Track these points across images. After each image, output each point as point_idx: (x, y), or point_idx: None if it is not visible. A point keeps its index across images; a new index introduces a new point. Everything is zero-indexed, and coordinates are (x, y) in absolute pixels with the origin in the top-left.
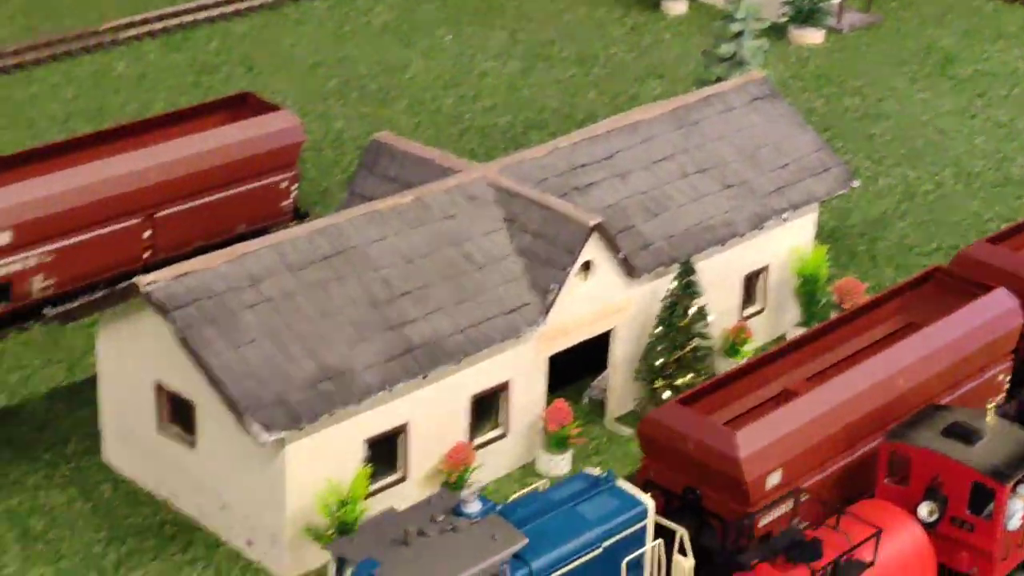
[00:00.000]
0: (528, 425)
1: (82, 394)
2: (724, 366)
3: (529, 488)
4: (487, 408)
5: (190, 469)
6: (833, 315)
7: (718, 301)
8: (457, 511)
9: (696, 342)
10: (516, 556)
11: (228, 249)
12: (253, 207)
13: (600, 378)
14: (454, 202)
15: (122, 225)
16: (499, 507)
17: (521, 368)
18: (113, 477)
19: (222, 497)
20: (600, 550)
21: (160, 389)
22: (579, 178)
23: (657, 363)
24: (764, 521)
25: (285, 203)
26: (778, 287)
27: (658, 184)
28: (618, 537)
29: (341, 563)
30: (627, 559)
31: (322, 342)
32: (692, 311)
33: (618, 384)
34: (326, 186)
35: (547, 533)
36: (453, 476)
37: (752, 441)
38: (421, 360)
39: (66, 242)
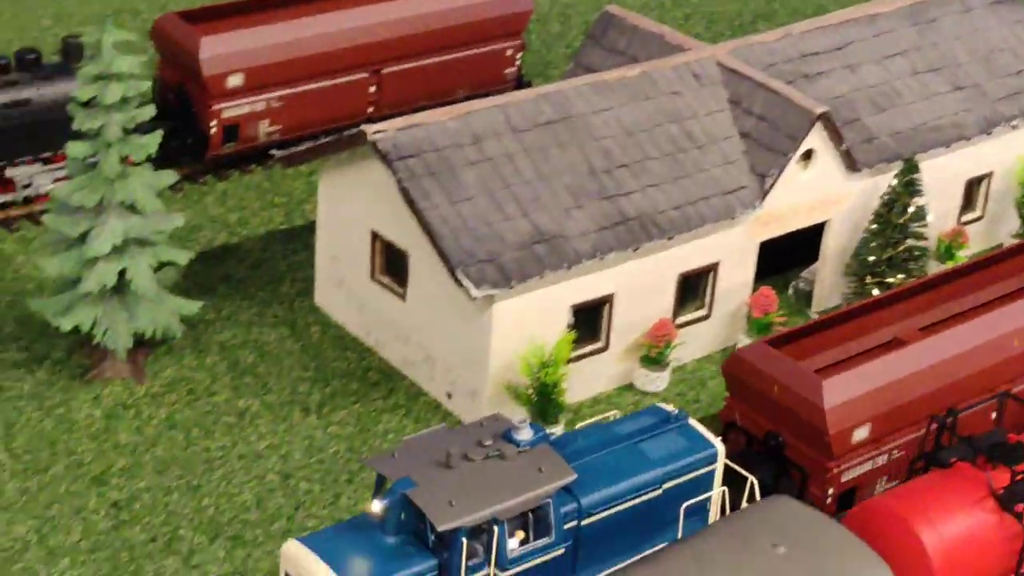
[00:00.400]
0: (732, 309)
1: (298, 238)
2: (935, 269)
3: (598, 418)
4: (693, 288)
5: (398, 319)
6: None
7: (937, 203)
8: (507, 437)
9: (911, 242)
10: (567, 490)
11: (454, 106)
12: (477, 72)
13: (809, 270)
14: (680, 79)
15: (350, 78)
16: (554, 437)
17: (731, 251)
18: (323, 321)
19: (427, 349)
20: (660, 491)
21: (376, 238)
22: (808, 66)
23: (869, 259)
24: (847, 476)
25: (509, 71)
26: (1000, 196)
27: (888, 79)
28: (680, 480)
29: (381, 480)
30: (687, 504)
31: (538, 205)
32: (911, 210)
33: (826, 277)
34: (549, 59)
35: (603, 469)
36: (653, 351)
37: (840, 391)
38: (634, 232)
39: (295, 90)
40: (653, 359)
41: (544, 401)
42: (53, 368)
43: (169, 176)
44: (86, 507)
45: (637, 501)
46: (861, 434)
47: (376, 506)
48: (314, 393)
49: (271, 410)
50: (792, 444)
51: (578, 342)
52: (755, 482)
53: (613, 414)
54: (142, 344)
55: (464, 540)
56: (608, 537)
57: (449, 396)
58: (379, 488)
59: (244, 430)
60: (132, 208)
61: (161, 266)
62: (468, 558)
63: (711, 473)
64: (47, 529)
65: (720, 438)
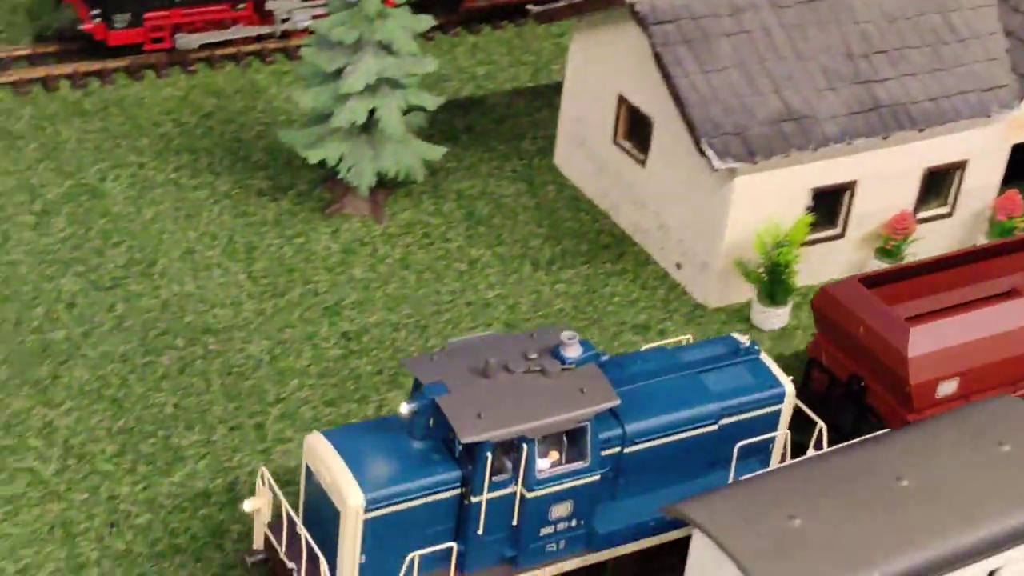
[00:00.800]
0: (975, 211)
1: (543, 97)
2: None
3: (667, 342)
4: (938, 184)
5: (635, 185)
6: None
7: None
8: (555, 353)
9: None
10: (613, 415)
11: None
12: None
13: None
14: None
15: None
16: (607, 357)
17: (981, 150)
18: (559, 181)
19: (661, 217)
20: (715, 427)
21: (622, 102)
22: None
23: None
24: None
25: None
26: None
27: None
28: (740, 417)
29: (417, 382)
30: (742, 443)
31: (790, 83)
32: None
33: None
34: None
35: (657, 396)
36: (890, 243)
37: (929, 340)
38: (885, 120)
39: None
40: (889, 252)
41: (774, 281)
42: (296, 199)
43: (426, 21)
44: (317, 334)
45: (689, 434)
46: (948, 388)
47: (404, 408)
48: (545, 249)
49: (502, 261)
50: (874, 390)
51: (815, 226)
52: (823, 428)
53: (686, 339)
54: (383, 184)
55: (489, 455)
56: (654, 468)
57: (678, 267)
58: (416, 390)
59: (474, 278)
60: (388, 49)
61: (410, 110)
62: (494, 474)
63: (776, 414)
64: (279, 351)
65: (804, 375)
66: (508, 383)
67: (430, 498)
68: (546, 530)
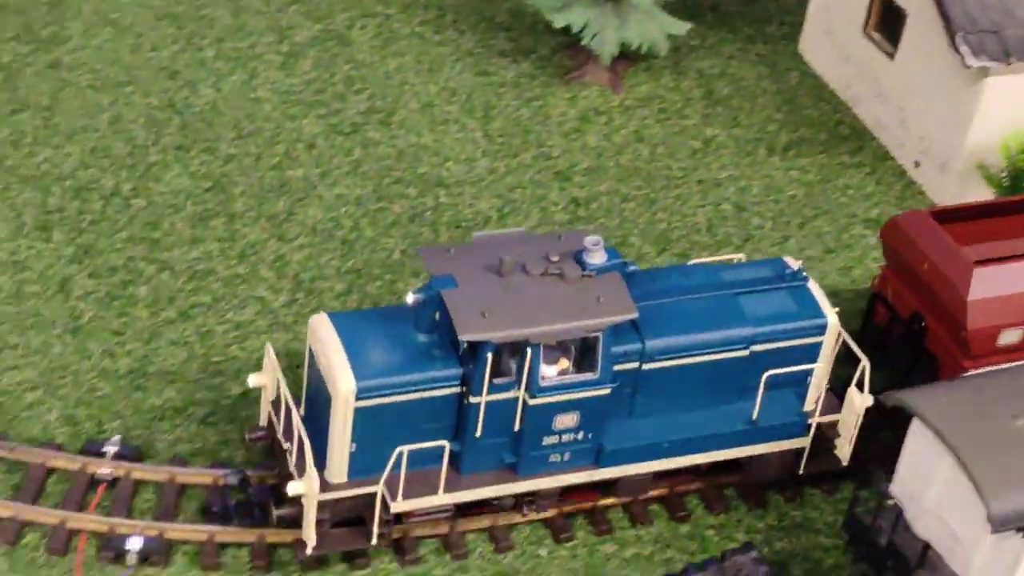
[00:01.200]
0: None
1: None
2: None
3: (717, 259)
4: None
5: (881, 78)
6: None
7: None
8: (577, 257)
9: None
10: (635, 328)
11: None
12: None
13: None
14: None
15: None
16: (635, 268)
17: None
18: (803, 69)
19: (904, 113)
20: (746, 352)
21: None
22: None
23: None
24: None
25: None
26: None
27: None
28: (774, 345)
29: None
30: (771, 373)
31: None
32: None
33: None
34: None
35: (686, 314)
36: None
37: (993, 283)
38: None
39: None
40: None
41: (1015, 189)
42: (537, 63)
43: None
44: (547, 197)
45: (716, 357)
46: (1011, 337)
47: (410, 298)
48: (782, 136)
49: (736, 143)
50: (935, 332)
51: None
52: (866, 366)
53: (738, 257)
54: (625, 56)
55: (490, 356)
56: (675, 390)
57: (916, 165)
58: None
59: (707, 157)
60: None
61: None
62: (496, 376)
63: (817, 346)
64: (507, 210)
65: (867, 310)
66: (522, 284)
67: (427, 393)
68: (549, 440)
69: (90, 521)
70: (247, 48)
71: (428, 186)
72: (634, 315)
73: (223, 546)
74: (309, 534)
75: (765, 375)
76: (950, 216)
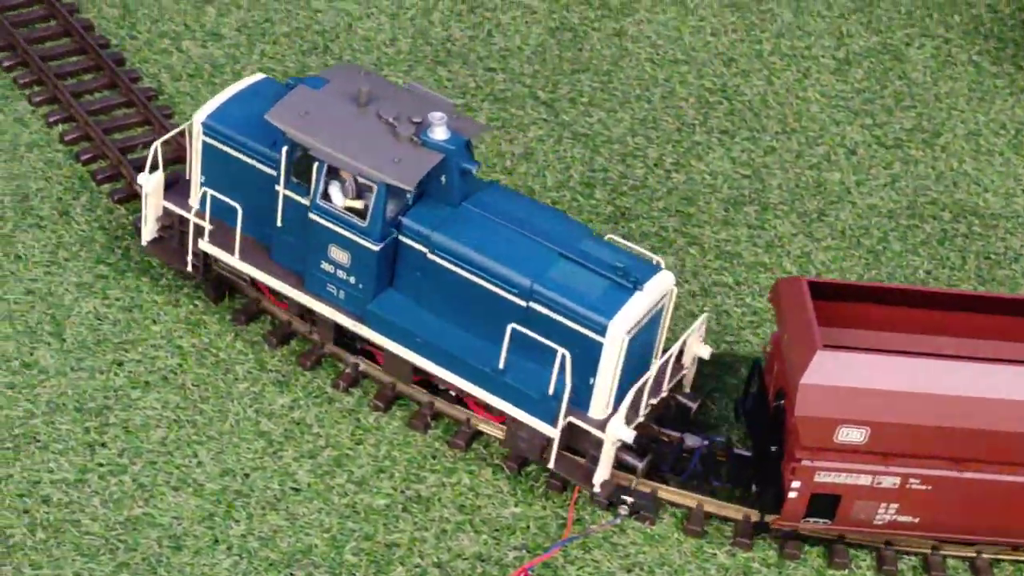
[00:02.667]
0: None
1: None
2: None
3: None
4: None
5: None
6: None
7: None
8: (423, 123)
9: None
10: (434, 216)
11: None
12: None
13: None
14: None
15: None
16: (495, 184)
17: None
18: None
19: None
20: (523, 303)
21: None
22: None
23: None
24: (824, 478)
25: None
26: None
27: None
28: (548, 313)
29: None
30: (515, 327)
31: None
32: None
33: None
34: None
35: (494, 237)
36: None
37: (839, 372)
38: None
39: None
40: None
41: None
42: None
43: None
44: None
45: (493, 289)
46: (852, 436)
47: (291, 79)
48: None
49: None
50: (789, 414)
51: None
52: (566, 355)
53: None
54: None
55: (285, 149)
56: (454, 297)
57: None
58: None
59: None
60: None
61: None
62: (296, 176)
63: (597, 345)
64: None
65: (747, 376)
66: (361, 117)
67: (250, 160)
68: (326, 267)
69: None
70: (804, 48)
71: (962, 213)
72: (408, 187)
73: (709, 516)
74: None
75: (510, 326)
76: (834, 290)
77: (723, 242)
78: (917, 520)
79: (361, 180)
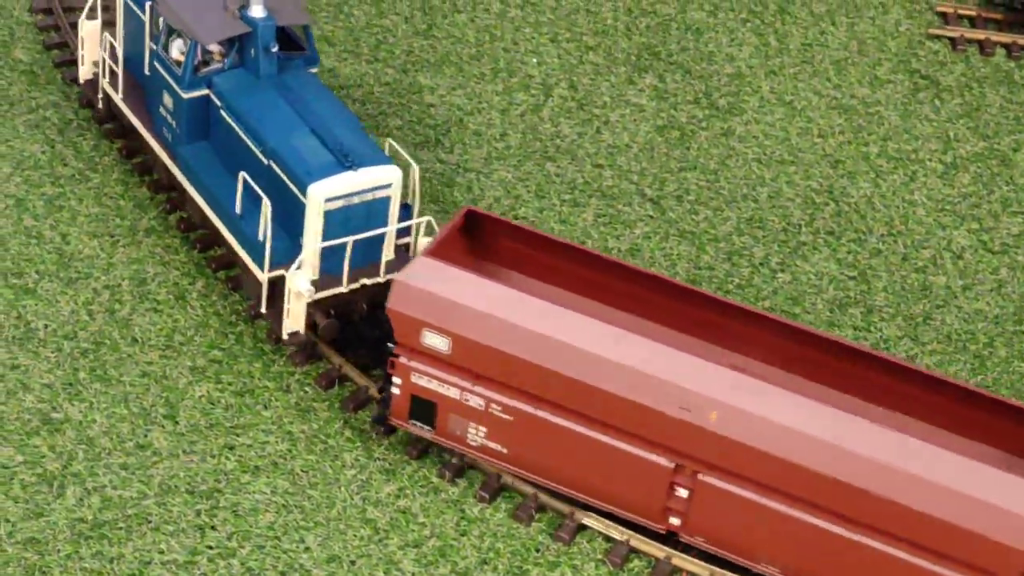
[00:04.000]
0: None
1: None
2: None
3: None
4: None
5: None
6: None
7: None
8: (246, 8)
9: None
10: (230, 74)
11: None
12: None
13: None
14: None
15: None
16: (304, 67)
17: None
18: None
19: None
20: (264, 161)
21: None
22: None
23: None
24: (418, 380)
25: None
26: None
27: None
28: (278, 173)
29: None
30: (242, 174)
31: None
32: None
33: None
34: None
35: (266, 101)
36: None
37: (433, 278)
38: None
39: None
40: None
41: None
42: None
43: None
44: None
45: (249, 143)
46: (433, 341)
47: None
48: None
49: None
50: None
51: None
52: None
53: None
54: None
55: (149, 5)
56: (228, 145)
57: None
58: None
59: None
60: None
61: None
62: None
63: (297, 201)
64: None
65: None
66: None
67: (140, 16)
68: (162, 111)
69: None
70: (911, 151)
71: None
72: (204, 43)
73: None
74: None
75: (241, 175)
76: (518, 233)
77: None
78: (505, 451)
79: (188, 38)
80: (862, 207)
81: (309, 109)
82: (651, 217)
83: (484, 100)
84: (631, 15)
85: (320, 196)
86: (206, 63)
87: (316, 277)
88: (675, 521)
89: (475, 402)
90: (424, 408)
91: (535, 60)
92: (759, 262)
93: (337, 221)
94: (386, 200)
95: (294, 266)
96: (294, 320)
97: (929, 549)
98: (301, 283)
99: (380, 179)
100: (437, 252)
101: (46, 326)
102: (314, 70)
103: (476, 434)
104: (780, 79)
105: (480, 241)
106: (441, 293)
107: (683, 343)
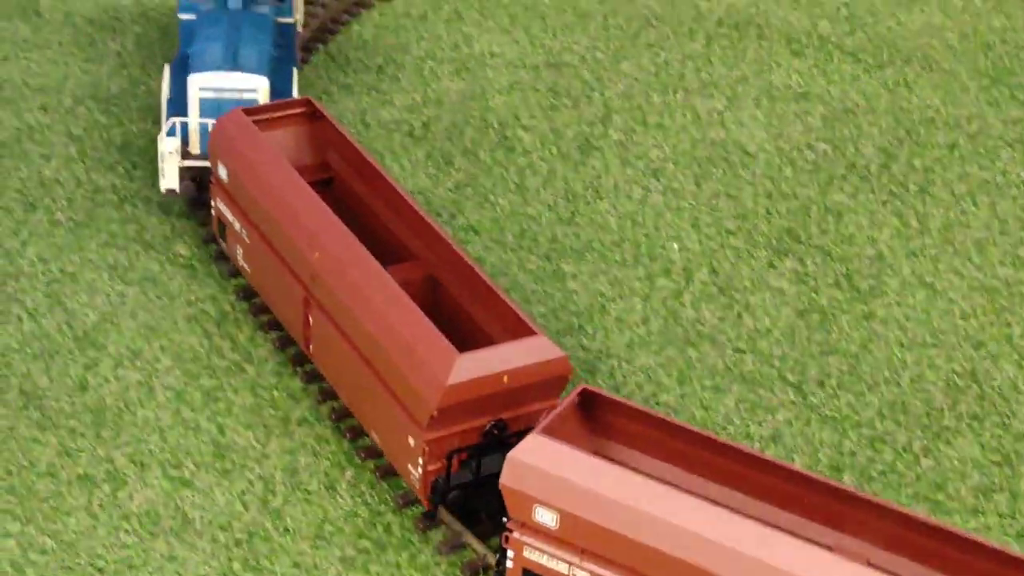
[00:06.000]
0: None
1: None
2: None
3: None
4: None
5: None
6: None
7: None
8: None
9: None
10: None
11: None
12: None
13: None
14: None
15: None
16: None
17: None
18: None
19: None
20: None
21: None
22: None
23: None
24: (530, 555)
25: None
26: None
27: None
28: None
29: None
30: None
31: None
32: None
33: None
34: None
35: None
36: None
37: (540, 455)
38: None
39: None
40: None
41: None
42: None
43: None
44: None
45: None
46: (543, 517)
47: None
48: None
49: None
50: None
51: None
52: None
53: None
54: None
55: None
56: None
57: None
58: None
59: None
60: None
61: None
62: None
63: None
64: None
65: None
66: None
67: None
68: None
69: None
70: None
71: None
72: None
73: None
74: None
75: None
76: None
77: (972, 531)
78: None
79: None
80: (1006, 390)
81: (240, 32)
82: (792, 403)
83: (626, 286)
84: (771, 198)
85: (196, 84)
86: None
87: (199, 152)
88: None
89: None
90: None
91: (676, 245)
92: (902, 447)
93: (210, 108)
94: (253, 102)
95: (164, 131)
96: (169, 179)
97: None
98: (168, 144)
99: (249, 84)
100: (550, 429)
101: (202, 516)
102: (289, 20)
103: None
104: (921, 260)
105: (598, 420)
106: (550, 470)
107: (789, 524)
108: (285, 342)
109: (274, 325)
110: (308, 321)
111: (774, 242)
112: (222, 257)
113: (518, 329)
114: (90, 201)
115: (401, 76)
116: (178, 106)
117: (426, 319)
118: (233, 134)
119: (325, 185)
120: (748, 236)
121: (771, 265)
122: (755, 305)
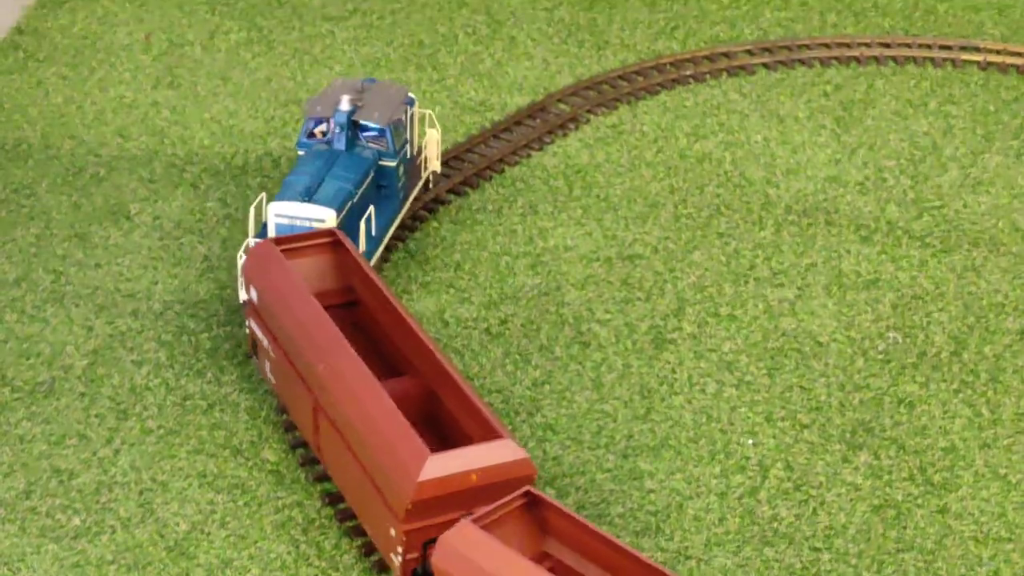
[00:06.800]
0: None
1: None
2: None
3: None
4: None
5: None
6: None
7: None
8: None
9: None
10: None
11: None
12: None
13: None
14: None
15: None
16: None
17: None
18: None
19: None
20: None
21: None
22: None
23: None
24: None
25: None
26: None
27: None
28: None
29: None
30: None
31: None
32: None
33: None
34: None
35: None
36: None
37: (466, 542)
38: None
39: None
40: None
41: None
42: None
43: None
44: None
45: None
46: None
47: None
48: None
49: None
50: None
51: None
52: None
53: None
54: None
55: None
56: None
57: None
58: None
59: None
60: None
61: None
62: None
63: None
64: None
65: None
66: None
67: None
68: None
69: None
70: None
71: None
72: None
73: None
74: None
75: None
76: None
77: None
78: None
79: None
80: None
81: (333, 170)
82: None
83: (702, 484)
84: (844, 390)
85: (274, 210)
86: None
87: None
88: None
89: None
90: None
91: (751, 441)
92: None
93: (285, 232)
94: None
95: (243, 248)
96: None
97: None
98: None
99: (318, 214)
100: (483, 520)
101: None
102: (391, 163)
103: None
104: (994, 451)
105: (547, 523)
106: (472, 556)
107: None
108: (370, 549)
109: (359, 531)
110: (318, 427)
111: (848, 435)
112: (308, 462)
113: (487, 433)
114: (180, 408)
115: (478, 272)
116: (265, 229)
117: (406, 422)
118: (263, 260)
119: (350, 307)
120: (822, 429)
121: (845, 459)
122: (830, 501)
